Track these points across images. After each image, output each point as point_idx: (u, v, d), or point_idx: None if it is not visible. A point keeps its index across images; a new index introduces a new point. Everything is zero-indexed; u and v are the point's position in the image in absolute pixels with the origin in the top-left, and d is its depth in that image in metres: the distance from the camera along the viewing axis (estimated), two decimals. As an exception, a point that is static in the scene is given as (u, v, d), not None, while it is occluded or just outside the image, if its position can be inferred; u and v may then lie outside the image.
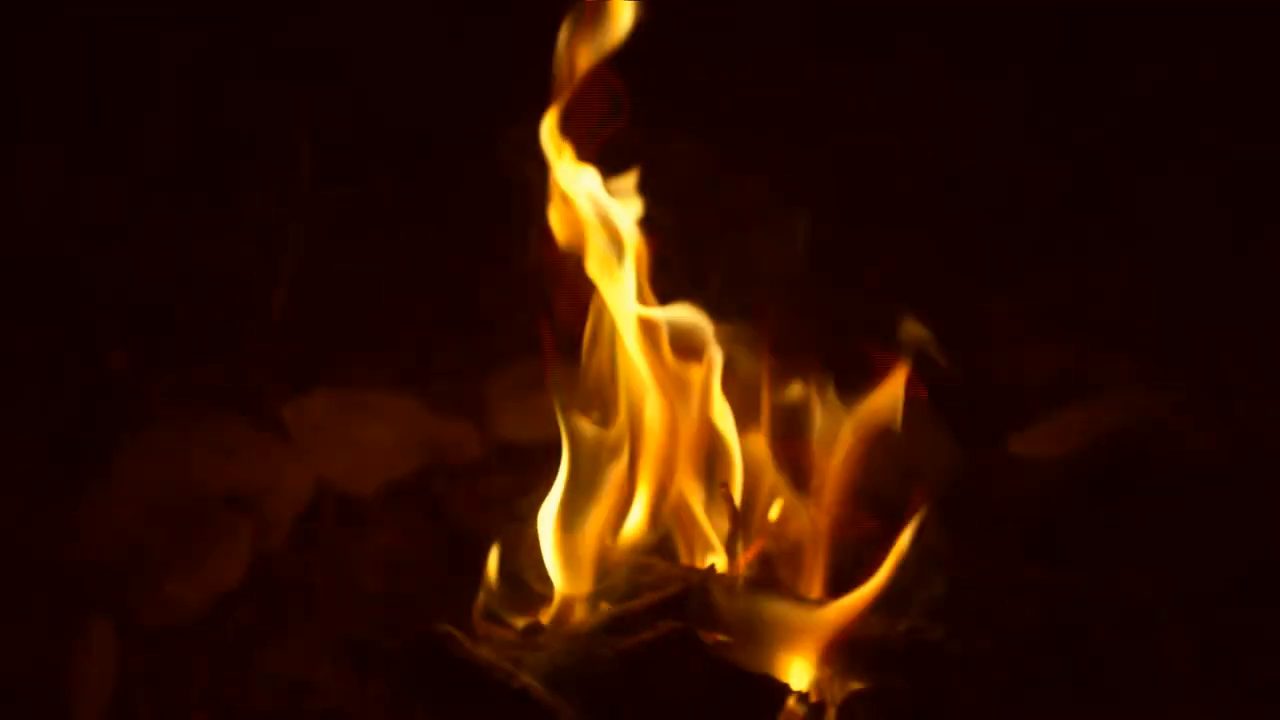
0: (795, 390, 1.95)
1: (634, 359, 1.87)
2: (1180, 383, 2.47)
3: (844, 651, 1.73)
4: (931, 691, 1.71)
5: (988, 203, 2.83)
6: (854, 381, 1.96)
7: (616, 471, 1.86)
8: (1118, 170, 2.86)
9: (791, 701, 1.68)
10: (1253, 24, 2.76)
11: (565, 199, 1.88)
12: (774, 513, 1.92)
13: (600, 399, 1.94)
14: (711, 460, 1.92)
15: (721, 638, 1.74)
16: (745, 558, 1.86)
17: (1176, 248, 2.76)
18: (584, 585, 1.84)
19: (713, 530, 1.90)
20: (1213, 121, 2.82)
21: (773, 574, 1.84)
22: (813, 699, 1.70)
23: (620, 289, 1.85)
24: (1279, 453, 2.24)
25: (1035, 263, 2.77)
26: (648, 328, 1.85)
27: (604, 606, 1.81)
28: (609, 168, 1.90)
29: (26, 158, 2.55)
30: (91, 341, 2.47)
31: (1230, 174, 2.79)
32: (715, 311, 1.88)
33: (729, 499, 1.87)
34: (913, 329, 1.84)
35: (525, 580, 1.88)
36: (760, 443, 1.93)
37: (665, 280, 1.88)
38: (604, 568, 1.85)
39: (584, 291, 1.90)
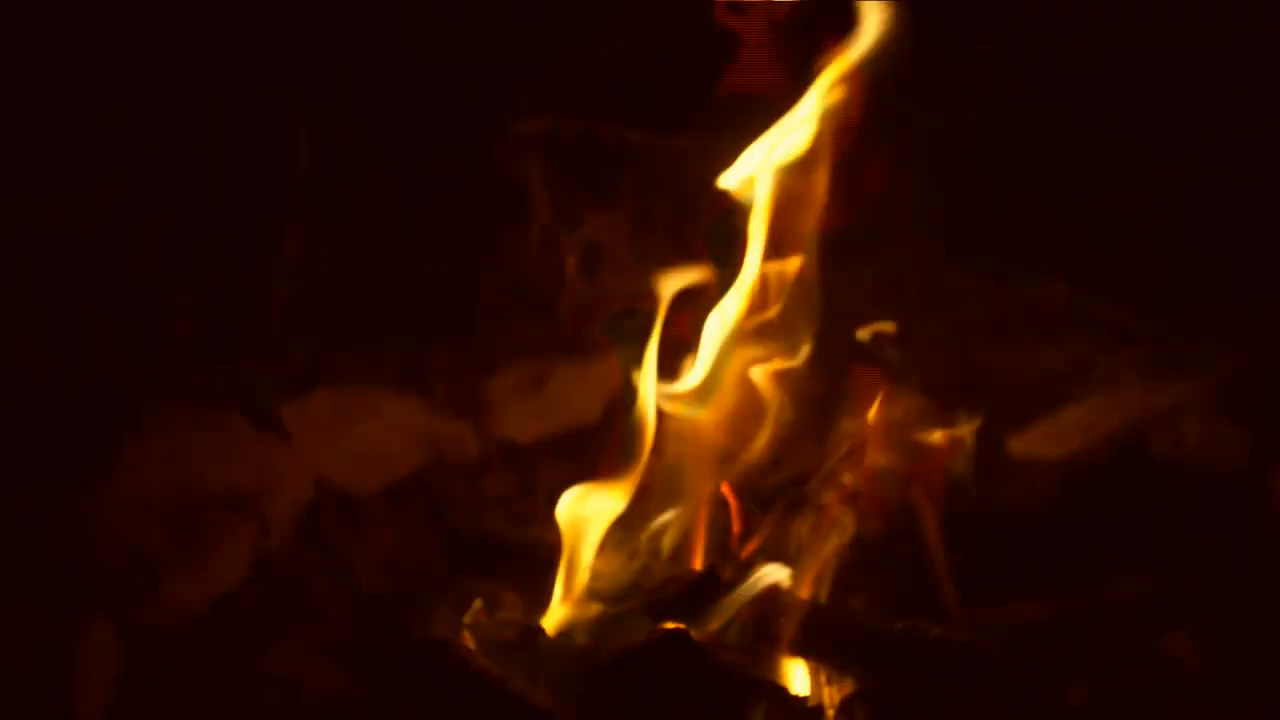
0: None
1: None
2: (1181, 382, 2.46)
3: (842, 651, 1.73)
4: (931, 692, 1.71)
5: (987, 201, 2.83)
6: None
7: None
8: (1117, 168, 2.85)
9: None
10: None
11: None
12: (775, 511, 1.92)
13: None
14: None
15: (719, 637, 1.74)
16: (744, 556, 1.86)
17: (1177, 246, 2.75)
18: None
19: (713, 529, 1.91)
20: (1214, 118, 2.82)
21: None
22: (811, 700, 1.70)
23: None
24: (1278, 452, 2.24)
25: (1036, 262, 2.77)
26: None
27: (602, 608, 1.81)
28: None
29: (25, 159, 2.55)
30: (91, 341, 2.46)
31: (1232, 172, 2.78)
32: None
33: (731, 498, 1.87)
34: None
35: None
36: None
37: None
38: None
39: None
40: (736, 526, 1.88)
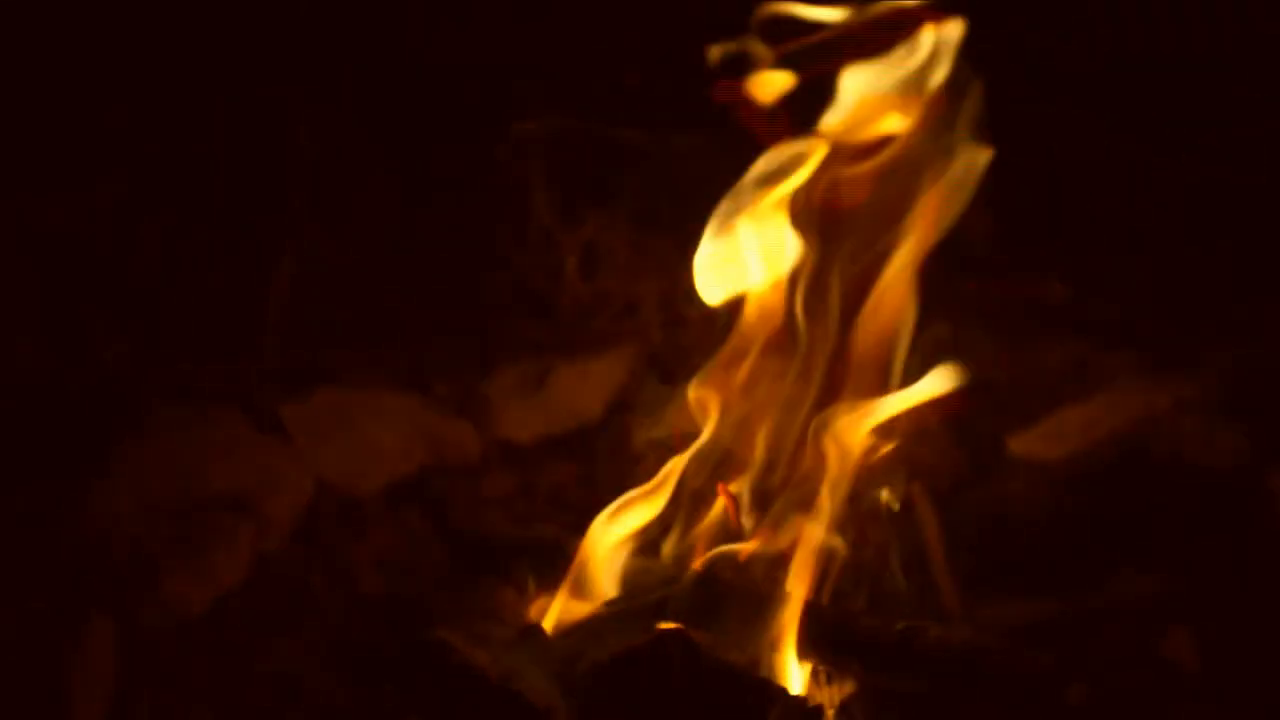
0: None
1: None
2: (1181, 382, 2.46)
3: (841, 651, 1.73)
4: (931, 692, 1.71)
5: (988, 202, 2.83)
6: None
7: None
8: (1117, 168, 2.85)
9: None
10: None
11: None
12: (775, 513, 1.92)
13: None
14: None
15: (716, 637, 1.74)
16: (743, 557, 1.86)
17: (1177, 246, 2.75)
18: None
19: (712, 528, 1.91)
20: (1214, 118, 2.82)
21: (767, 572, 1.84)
22: (810, 701, 1.70)
23: None
24: (1279, 452, 2.24)
25: (1034, 262, 2.77)
26: None
27: (601, 607, 1.81)
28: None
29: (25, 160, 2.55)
30: (91, 341, 2.47)
31: (1232, 172, 2.78)
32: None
33: (730, 498, 1.87)
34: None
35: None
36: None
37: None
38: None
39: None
40: (736, 526, 1.88)
